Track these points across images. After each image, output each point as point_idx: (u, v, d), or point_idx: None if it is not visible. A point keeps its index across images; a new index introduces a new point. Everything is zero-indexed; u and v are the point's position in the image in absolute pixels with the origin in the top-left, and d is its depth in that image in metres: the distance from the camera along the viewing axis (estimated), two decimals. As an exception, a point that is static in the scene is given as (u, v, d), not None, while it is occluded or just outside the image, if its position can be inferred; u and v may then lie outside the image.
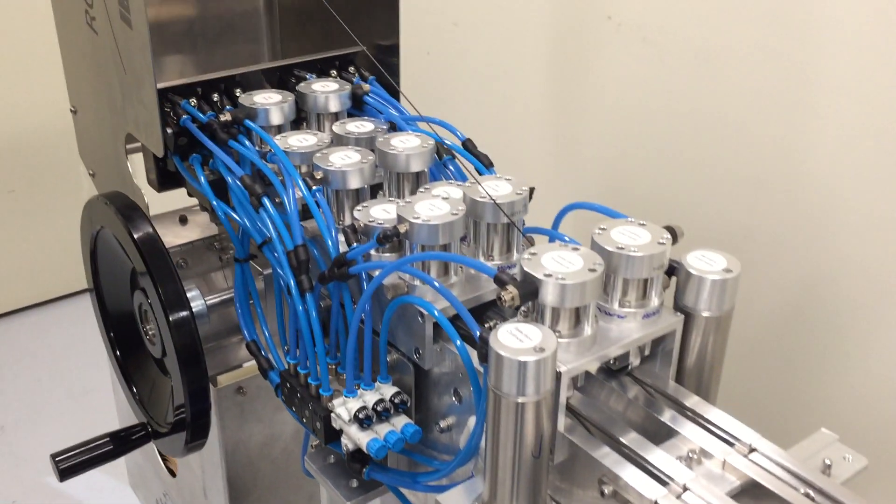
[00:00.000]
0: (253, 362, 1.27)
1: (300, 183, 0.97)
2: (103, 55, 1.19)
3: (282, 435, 1.43)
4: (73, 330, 2.65)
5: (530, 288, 0.73)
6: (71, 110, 1.39)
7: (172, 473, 1.64)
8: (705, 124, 1.52)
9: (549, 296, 0.73)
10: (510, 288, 0.73)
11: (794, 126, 1.37)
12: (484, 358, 0.74)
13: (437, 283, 0.84)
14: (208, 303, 1.15)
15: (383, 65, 1.27)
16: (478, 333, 0.78)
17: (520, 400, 0.70)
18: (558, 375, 0.73)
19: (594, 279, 0.73)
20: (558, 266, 0.75)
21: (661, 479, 0.71)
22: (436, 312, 0.82)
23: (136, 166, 1.22)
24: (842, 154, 1.32)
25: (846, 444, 0.81)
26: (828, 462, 0.75)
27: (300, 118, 1.17)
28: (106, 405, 2.22)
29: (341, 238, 0.96)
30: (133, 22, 1.08)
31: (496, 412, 0.72)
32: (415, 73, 2.11)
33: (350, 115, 1.18)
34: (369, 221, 0.93)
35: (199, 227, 1.28)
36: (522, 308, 0.77)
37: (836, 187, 1.33)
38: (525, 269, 0.74)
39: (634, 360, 0.83)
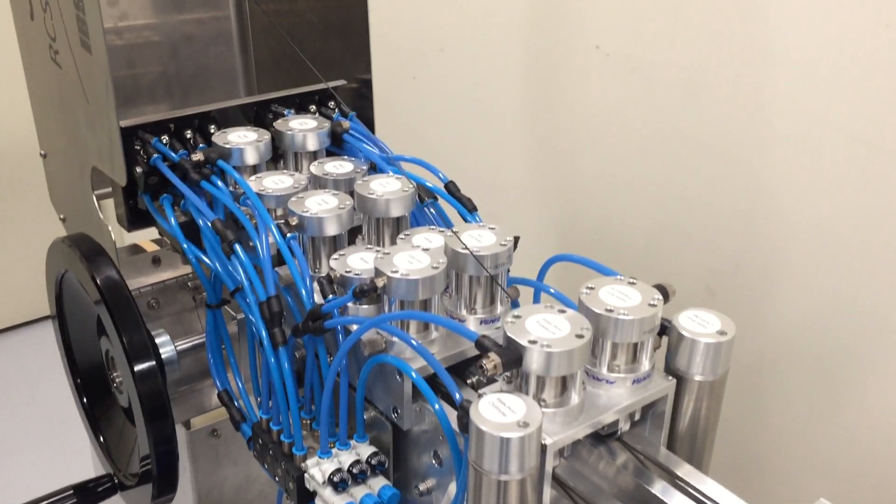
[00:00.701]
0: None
1: (273, 229, 0.92)
2: (68, 90, 1.17)
3: (258, 478, 1.38)
4: (43, 356, 2.59)
5: (514, 355, 0.69)
6: (41, 154, 1.35)
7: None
8: (695, 157, 1.49)
9: (533, 364, 0.69)
10: (492, 356, 0.69)
11: (785, 161, 1.34)
12: (464, 428, 0.69)
13: (415, 342, 0.80)
14: (179, 348, 1.10)
15: (358, 98, 1.24)
16: (457, 399, 0.74)
17: (502, 478, 0.66)
18: (543, 448, 0.69)
19: (582, 346, 0.69)
20: (543, 331, 0.70)
21: (652, 562, 0.67)
22: (413, 374, 0.78)
23: (109, 213, 1.17)
24: (834, 191, 1.28)
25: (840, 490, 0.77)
26: (828, 540, 0.71)
27: (277, 155, 1.13)
28: (78, 434, 2.17)
29: (316, 287, 0.91)
30: (92, 46, 1.06)
31: (476, 488, 0.68)
32: (400, 98, 2.08)
33: (329, 152, 1.14)
34: (346, 272, 0.88)
35: (173, 268, 1.23)
36: (505, 374, 0.73)
37: (831, 224, 1.30)
38: (508, 334, 0.70)
39: (624, 426, 0.79)
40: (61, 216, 1.36)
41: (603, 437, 0.79)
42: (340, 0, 1.27)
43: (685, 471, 0.76)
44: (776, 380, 1.44)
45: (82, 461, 2.07)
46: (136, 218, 1.13)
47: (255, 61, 1.33)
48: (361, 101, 1.29)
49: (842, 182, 1.27)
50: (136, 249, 1.42)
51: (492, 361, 0.68)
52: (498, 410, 0.66)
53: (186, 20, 1.29)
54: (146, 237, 1.27)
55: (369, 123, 1.25)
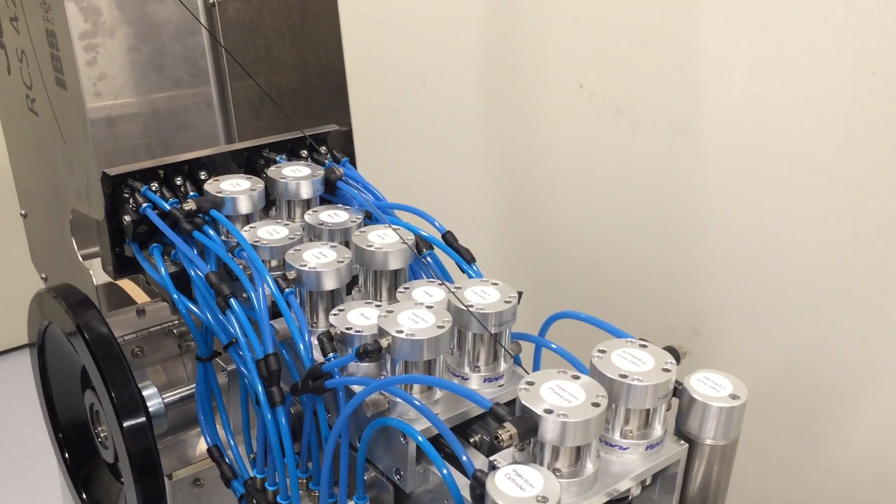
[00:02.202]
0: (210, 452, 1.20)
1: (271, 284, 0.90)
2: (45, 136, 1.16)
3: (240, 526, 1.34)
4: (10, 388, 2.52)
5: (529, 425, 0.68)
6: (21, 215, 1.34)
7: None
8: (679, 198, 1.49)
9: (548, 434, 0.68)
10: (508, 426, 0.67)
11: (770, 203, 1.35)
12: (478, 500, 0.68)
13: (419, 403, 0.78)
14: (166, 401, 1.07)
15: (346, 143, 1.24)
16: (464, 462, 0.73)
17: (519, 553, 0.64)
18: (559, 521, 0.67)
19: (598, 416, 0.68)
20: (559, 399, 0.69)
21: None
22: (420, 438, 0.76)
23: (94, 271, 1.15)
24: (820, 233, 1.29)
25: None
26: None
27: (269, 202, 1.11)
28: (47, 469, 2.11)
29: (315, 343, 0.89)
30: (67, 81, 1.07)
31: (493, 565, 0.66)
32: (380, 131, 2.07)
33: (322, 199, 1.12)
34: (346, 328, 0.86)
35: (157, 317, 1.20)
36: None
37: (816, 266, 1.31)
38: (523, 402, 0.69)
39: (635, 490, 0.77)
40: (43, 275, 1.34)
41: (613, 502, 0.78)
42: (317, 51, 1.28)
43: (697, 536, 0.75)
44: (760, 421, 1.44)
45: (49, 495, 2.01)
46: (122, 265, 1.10)
47: (236, 116, 1.32)
48: (347, 146, 1.29)
49: (827, 224, 1.28)
50: (112, 287, 1.39)
51: (507, 432, 0.67)
52: (515, 484, 0.65)
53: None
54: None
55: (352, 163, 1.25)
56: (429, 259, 1.03)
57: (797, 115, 1.28)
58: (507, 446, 0.68)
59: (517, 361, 0.91)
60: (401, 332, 0.80)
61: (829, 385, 1.35)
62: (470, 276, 0.99)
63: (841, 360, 1.32)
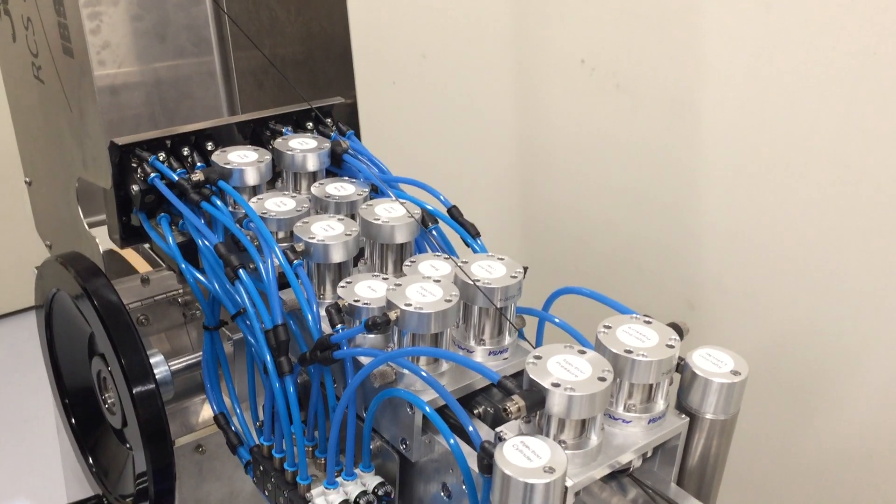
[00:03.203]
0: (212, 419, 1.21)
1: (280, 256, 0.91)
2: (51, 104, 1.16)
3: (241, 492, 1.36)
4: (9, 353, 2.53)
5: (537, 398, 0.69)
6: (26, 182, 1.34)
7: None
8: (677, 174, 1.51)
9: (555, 407, 0.70)
10: (516, 399, 0.69)
11: (769, 181, 1.36)
12: (485, 469, 0.70)
13: (425, 374, 0.80)
14: (172, 368, 1.08)
15: (350, 116, 1.24)
16: (470, 432, 0.75)
17: (525, 521, 0.66)
18: (564, 491, 0.69)
19: (603, 390, 0.69)
20: (566, 374, 0.71)
21: None
22: (427, 409, 0.78)
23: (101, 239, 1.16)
24: (817, 211, 1.31)
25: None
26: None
27: (275, 173, 1.11)
28: (46, 435, 2.12)
29: (323, 314, 0.91)
30: (74, 49, 1.06)
31: (499, 531, 0.68)
32: (379, 103, 2.07)
33: (327, 171, 1.12)
34: (354, 301, 0.88)
35: (162, 285, 1.21)
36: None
37: (813, 243, 1.33)
38: (531, 376, 0.70)
39: (636, 462, 0.79)
40: (47, 243, 1.34)
41: (614, 474, 0.80)
42: (322, 22, 1.28)
43: (695, 507, 0.77)
44: (752, 396, 1.47)
45: (48, 463, 2.03)
46: (128, 234, 1.11)
47: (239, 86, 1.32)
48: (351, 119, 1.29)
49: (824, 205, 1.30)
50: (113, 255, 1.40)
51: (516, 405, 0.69)
52: (522, 454, 0.67)
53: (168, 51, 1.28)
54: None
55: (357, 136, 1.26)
56: (434, 233, 1.05)
57: (798, 95, 1.29)
58: (515, 418, 0.70)
59: (521, 336, 0.93)
60: (409, 305, 0.81)
61: (821, 362, 1.37)
62: (475, 251, 1.00)
63: (834, 338, 1.34)
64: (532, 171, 1.80)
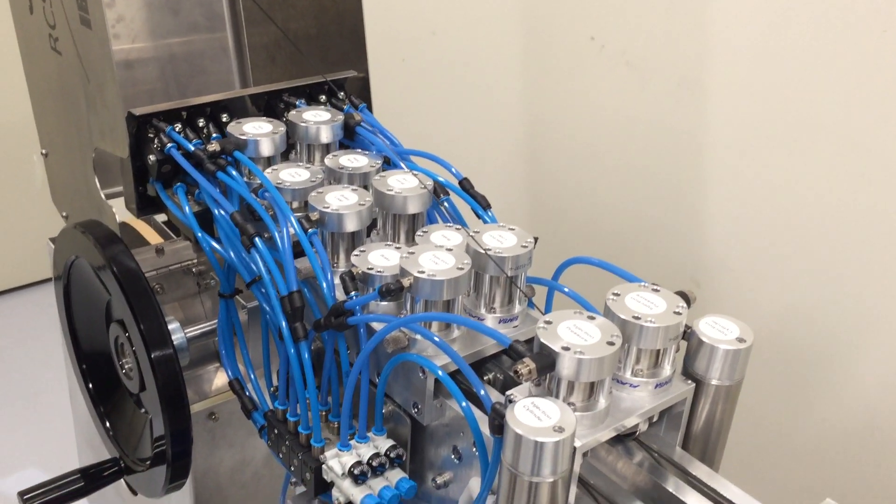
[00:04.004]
0: (225, 387, 1.24)
1: (295, 224, 0.93)
2: (69, 75, 1.18)
3: (252, 460, 1.39)
4: (21, 326, 2.56)
5: (547, 361, 0.71)
6: (42, 154, 1.36)
7: (133, 491, 1.59)
8: (686, 152, 1.52)
9: (565, 369, 0.72)
10: (527, 361, 0.71)
11: (776, 159, 1.37)
12: (496, 430, 0.72)
13: (438, 339, 0.82)
14: (188, 335, 1.11)
15: (362, 89, 1.26)
16: (482, 396, 0.77)
17: (535, 479, 0.68)
18: (573, 451, 0.71)
19: (612, 354, 0.71)
20: (575, 338, 0.73)
21: (675, 560, 0.70)
22: (440, 373, 0.80)
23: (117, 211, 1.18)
24: (824, 189, 1.32)
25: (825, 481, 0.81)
26: (836, 539, 0.75)
27: (288, 146, 1.13)
28: (58, 406, 2.15)
29: (337, 282, 0.93)
30: (92, 20, 1.08)
31: (510, 489, 0.70)
32: (388, 81, 2.08)
33: (341, 144, 1.14)
34: (368, 269, 0.90)
35: (176, 256, 1.23)
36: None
37: (818, 221, 1.34)
38: (542, 340, 0.72)
39: (642, 426, 0.82)
40: (63, 214, 1.36)
41: (621, 437, 0.82)
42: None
43: (700, 470, 0.79)
44: (757, 371, 1.49)
45: (60, 433, 2.06)
46: (144, 204, 1.13)
47: (252, 61, 1.33)
48: (363, 93, 1.31)
49: (831, 181, 1.31)
50: (125, 227, 1.42)
51: (526, 367, 0.71)
52: (533, 415, 0.69)
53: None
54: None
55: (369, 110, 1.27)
56: (446, 205, 1.06)
57: (806, 72, 1.30)
58: (526, 381, 0.72)
59: (530, 305, 0.95)
60: (422, 272, 0.83)
61: (825, 338, 1.39)
62: (486, 222, 1.02)
63: (838, 314, 1.36)
64: (540, 149, 1.82)
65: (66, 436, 1.98)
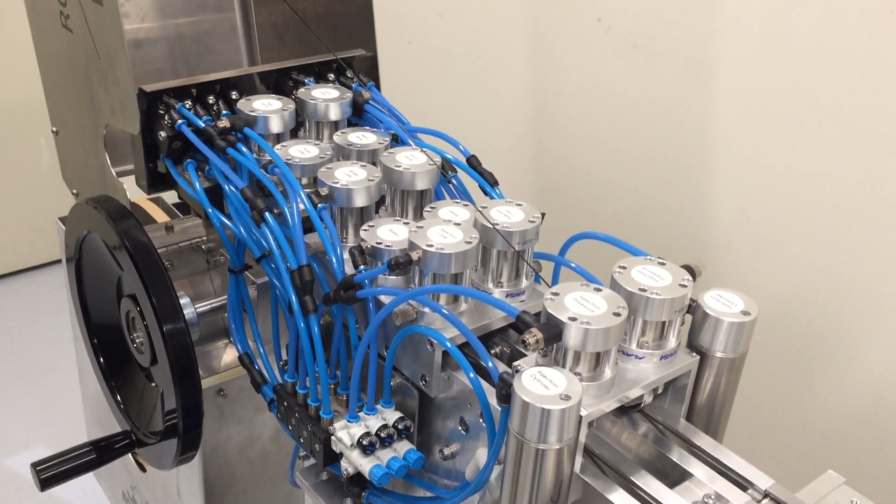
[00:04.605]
0: (233, 364, 1.25)
1: (304, 199, 0.94)
2: (79, 52, 1.19)
3: (260, 436, 1.41)
4: (30, 307, 2.57)
5: (554, 331, 0.73)
6: (52, 131, 1.37)
7: (142, 468, 1.61)
8: (691, 134, 1.53)
9: (571, 339, 0.73)
10: (535, 331, 0.72)
11: (781, 141, 1.38)
12: (503, 399, 0.73)
13: (447, 312, 0.83)
14: (199, 310, 1.12)
15: (371, 68, 1.27)
16: (490, 367, 0.78)
17: (541, 447, 0.70)
18: (579, 419, 0.73)
19: (618, 324, 0.73)
20: (582, 308, 0.74)
21: (679, 527, 0.71)
22: (448, 344, 0.81)
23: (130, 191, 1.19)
24: (829, 171, 1.33)
25: (829, 459, 0.82)
26: (838, 509, 0.76)
27: (297, 123, 1.14)
28: (66, 386, 2.17)
29: (346, 257, 0.94)
30: None
31: (517, 456, 0.71)
32: (394, 63, 2.08)
33: (349, 122, 1.15)
34: (377, 243, 0.91)
35: (185, 233, 1.25)
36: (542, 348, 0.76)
37: (823, 203, 1.35)
38: (549, 310, 0.73)
39: (647, 398, 0.83)
40: (74, 191, 1.38)
41: (626, 409, 0.84)
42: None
43: (704, 441, 0.81)
44: (761, 353, 1.50)
45: (68, 413, 2.08)
46: (155, 181, 1.14)
47: (260, 41, 1.34)
48: (371, 72, 1.31)
49: (837, 163, 1.32)
50: (134, 207, 1.43)
51: (534, 336, 0.72)
52: (540, 384, 0.70)
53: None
54: (141, 194, 1.29)
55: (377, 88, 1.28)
56: (453, 182, 1.07)
57: (813, 54, 1.30)
58: (534, 350, 0.73)
59: (537, 280, 0.96)
60: (431, 245, 0.84)
61: (829, 320, 1.40)
62: (493, 199, 1.03)
63: (843, 296, 1.37)
64: (546, 130, 1.82)
65: (74, 415, 2.00)
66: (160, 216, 1.54)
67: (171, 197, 1.53)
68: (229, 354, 1.33)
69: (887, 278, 1.31)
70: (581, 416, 0.73)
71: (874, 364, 1.36)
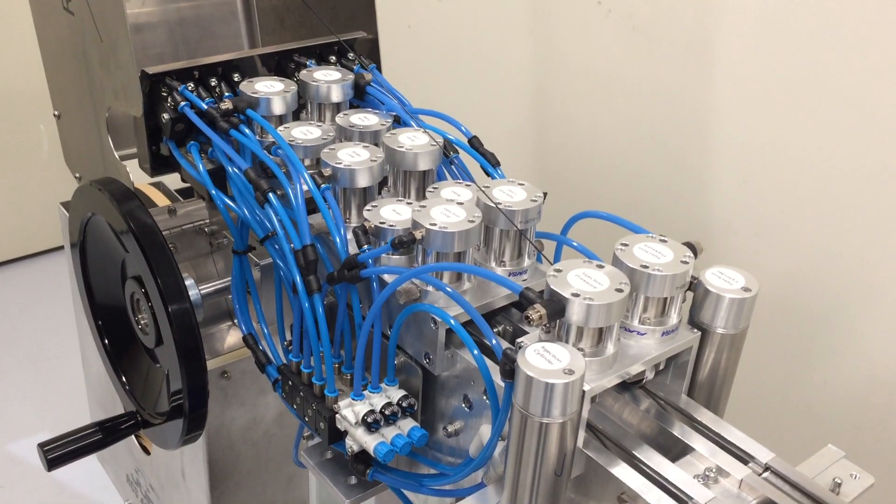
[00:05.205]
0: (237, 346, 1.26)
1: (308, 179, 0.94)
2: (81, 35, 1.19)
3: (264, 418, 1.42)
4: (32, 294, 2.58)
5: (558, 307, 0.73)
6: (55, 115, 1.37)
7: (146, 451, 1.62)
8: (691, 117, 1.53)
9: (574, 315, 0.73)
10: (538, 307, 0.73)
11: (780, 122, 1.38)
12: (507, 375, 0.74)
13: (450, 290, 0.84)
14: (202, 292, 1.13)
15: (372, 51, 1.27)
16: (493, 345, 0.79)
17: (545, 420, 0.70)
18: (582, 394, 0.73)
19: (621, 300, 0.73)
20: (584, 285, 0.74)
21: (680, 499, 0.72)
22: (452, 322, 0.82)
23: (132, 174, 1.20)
24: (827, 151, 1.33)
25: (829, 439, 0.83)
26: (837, 481, 0.77)
27: (300, 105, 1.14)
28: (68, 372, 2.18)
29: (349, 237, 0.95)
30: None
31: (520, 431, 0.72)
32: (394, 47, 2.08)
33: (351, 104, 1.16)
34: (380, 223, 0.91)
35: (188, 216, 1.25)
36: (544, 324, 0.77)
37: (822, 183, 1.36)
38: (552, 287, 0.74)
39: (649, 374, 0.84)
40: (77, 175, 1.38)
41: (628, 385, 0.85)
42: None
43: (705, 416, 0.82)
44: (759, 335, 1.51)
45: (71, 398, 2.09)
46: (158, 163, 1.14)
47: (260, 24, 1.34)
48: (372, 54, 1.32)
49: (837, 144, 1.32)
50: (136, 192, 1.43)
51: (537, 312, 0.73)
52: (544, 358, 0.71)
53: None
54: (143, 179, 1.30)
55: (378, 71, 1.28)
56: (455, 162, 1.08)
57: (813, 34, 1.30)
58: (537, 326, 0.74)
59: (539, 259, 0.96)
60: (434, 224, 0.85)
61: (829, 301, 1.41)
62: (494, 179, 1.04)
63: (842, 278, 1.38)
64: (546, 114, 1.82)
65: (77, 400, 2.01)
66: (162, 201, 1.54)
67: (172, 183, 1.54)
68: (232, 337, 1.34)
69: (886, 260, 1.31)
70: (584, 391, 0.73)
71: (873, 345, 1.37)
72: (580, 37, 1.68)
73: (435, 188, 0.97)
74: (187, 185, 1.29)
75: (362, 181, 0.97)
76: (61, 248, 2.31)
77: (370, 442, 0.90)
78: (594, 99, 1.69)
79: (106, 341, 1.17)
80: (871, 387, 1.39)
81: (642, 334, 0.80)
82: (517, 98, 1.87)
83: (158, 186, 1.61)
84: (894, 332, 1.34)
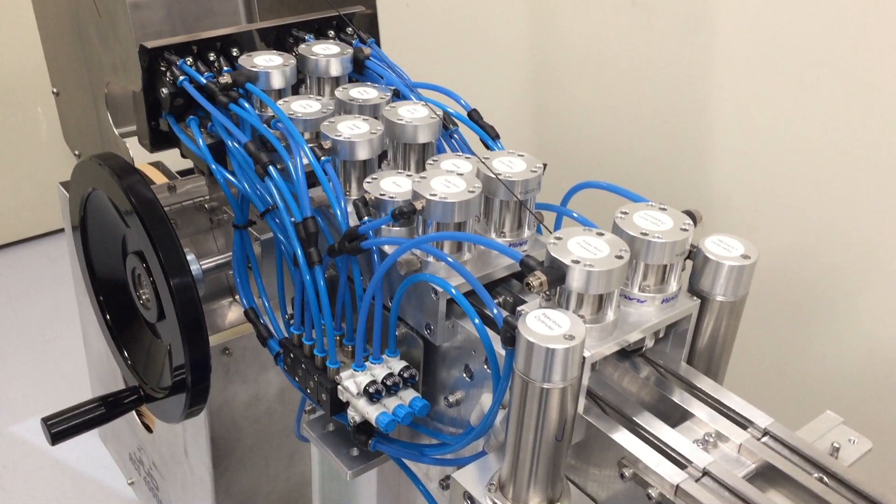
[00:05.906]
0: (238, 321, 1.26)
1: (308, 152, 0.95)
2: (80, 11, 1.19)
3: (266, 395, 1.43)
4: (32, 276, 2.59)
5: (558, 274, 0.74)
6: (53, 93, 1.37)
7: (148, 429, 1.63)
8: (690, 93, 1.53)
9: (575, 282, 0.74)
10: (538, 274, 0.73)
11: (779, 97, 1.38)
12: (508, 342, 0.74)
13: (451, 260, 0.84)
14: (203, 267, 1.13)
15: (371, 25, 1.27)
16: (495, 314, 0.79)
17: (546, 386, 0.71)
18: (582, 359, 0.74)
19: (621, 267, 0.74)
20: (585, 252, 0.75)
21: (680, 463, 0.73)
22: (453, 291, 0.82)
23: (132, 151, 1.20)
24: (827, 126, 1.34)
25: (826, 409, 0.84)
26: (836, 445, 0.78)
27: (298, 80, 1.14)
28: (69, 354, 2.19)
29: (350, 209, 0.95)
30: None
31: (522, 396, 0.73)
32: (392, 25, 2.08)
33: (350, 78, 1.15)
34: (380, 195, 0.92)
35: (188, 193, 1.25)
36: (545, 292, 0.77)
37: (820, 158, 1.36)
38: (552, 254, 0.75)
39: (649, 342, 0.84)
40: (76, 152, 1.38)
41: (628, 353, 0.85)
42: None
43: (705, 383, 0.82)
44: (758, 310, 1.51)
45: (72, 380, 2.10)
46: (157, 139, 1.14)
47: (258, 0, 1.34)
48: (371, 29, 1.32)
49: (836, 118, 1.32)
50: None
51: (538, 279, 0.73)
52: (544, 324, 0.71)
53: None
54: (143, 158, 1.30)
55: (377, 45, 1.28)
56: (455, 135, 1.08)
57: (812, 8, 1.30)
58: (537, 293, 0.74)
59: (539, 231, 0.97)
60: (434, 195, 0.85)
61: (828, 274, 1.41)
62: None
63: (841, 251, 1.38)
64: (546, 87, 1.82)
65: (79, 382, 2.02)
66: (161, 181, 1.54)
67: (171, 162, 1.54)
68: (234, 313, 1.34)
69: (884, 234, 1.32)
70: (584, 357, 0.74)
71: (871, 317, 1.38)
72: (579, 10, 1.68)
73: (435, 160, 0.97)
74: (187, 165, 1.29)
75: (362, 154, 0.97)
76: (61, 230, 2.31)
77: (372, 412, 0.91)
78: (593, 72, 1.69)
79: (108, 317, 1.17)
80: (869, 359, 1.40)
81: (642, 302, 0.80)
82: (516, 72, 1.87)
83: (158, 166, 1.61)
84: (892, 305, 1.35)
